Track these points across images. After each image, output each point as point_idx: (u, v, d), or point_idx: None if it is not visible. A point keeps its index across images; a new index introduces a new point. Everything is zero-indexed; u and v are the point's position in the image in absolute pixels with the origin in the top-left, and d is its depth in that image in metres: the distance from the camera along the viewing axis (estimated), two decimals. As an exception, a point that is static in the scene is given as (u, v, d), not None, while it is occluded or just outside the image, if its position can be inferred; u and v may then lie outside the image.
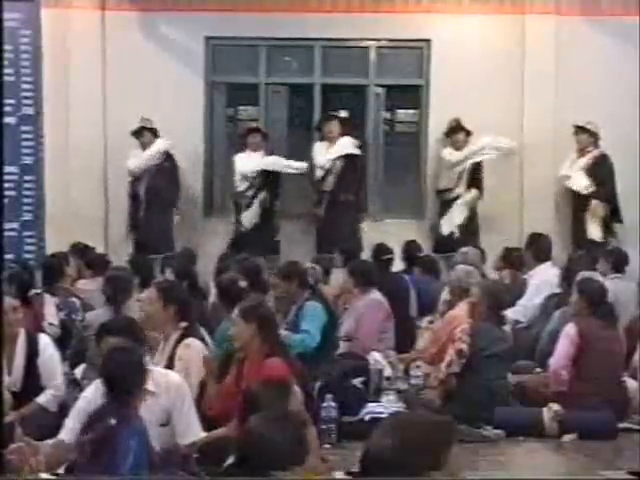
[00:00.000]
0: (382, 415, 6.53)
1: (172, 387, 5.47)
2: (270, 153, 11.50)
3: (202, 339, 6.62)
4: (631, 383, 7.37)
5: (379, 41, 11.94)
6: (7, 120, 10.51)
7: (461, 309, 7.56)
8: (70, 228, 11.37)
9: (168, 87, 11.66)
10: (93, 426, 4.75)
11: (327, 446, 6.37)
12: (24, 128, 11.22)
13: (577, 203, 11.42)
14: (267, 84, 11.99)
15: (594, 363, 7.13)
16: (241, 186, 11.42)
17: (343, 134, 11.44)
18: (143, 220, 11.27)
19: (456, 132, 11.57)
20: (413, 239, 10.54)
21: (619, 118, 11.30)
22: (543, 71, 11.65)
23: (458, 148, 11.58)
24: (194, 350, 6.41)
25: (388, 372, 7.67)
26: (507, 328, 7.81)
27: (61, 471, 5.16)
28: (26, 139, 11.24)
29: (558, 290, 8.70)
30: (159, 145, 11.34)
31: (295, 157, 11.81)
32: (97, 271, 9.20)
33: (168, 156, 11.42)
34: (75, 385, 6.90)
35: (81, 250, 9.96)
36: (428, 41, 11.85)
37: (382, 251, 9.70)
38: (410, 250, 10.23)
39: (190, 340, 6.44)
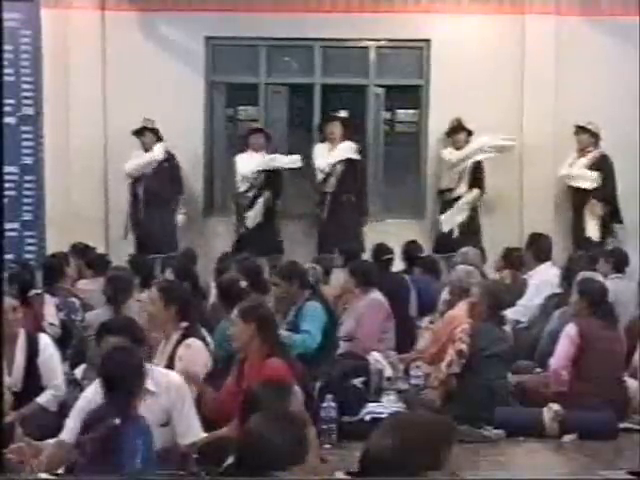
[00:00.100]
0: (382, 415, 6.52)
1: (172, 387, 5.47)
2: (272, 154, 11.49)
3: (203, 339, 6.63)
4: (631, 383, 7.37)
5: (379, 41, 11.94)
6: (7, 120, 10.50)
7: (461, 309, 7.56)
8: (70, 228, 11.37)
9: (168, 87, 11.65)
10: (94, 426, 4.75)
11: (327, 446, 6.37)
12: (24, 128, 11.21)
13: (577, 203, 11.42)
14: (267, 84, 11.99)
15: (594, 363, 7.13)
16: (242, 186, 11.41)
17: (344, 135, 11.43)
18: (144, 220, 11.26)
19: (457, 132, 11.57)
20: (413, 239, 10.52)
21: (619, 118, 11.30)
22: (543, 71, 11.64)
23: (459, 148, 11.58)
24: (195, 350, 6.42)
25: (388, 372, 7.67)
26: (507, 328, 7.81)
27: (61, 471, 5.17)
28: (26, 139, 11.23)
29: (558, 290, 8.70)
30: (156, 153, 11.29)
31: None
32: (97, 271, 9.20)
33: (169, 156, 11.42)
34: (75, 385, 6.90)
35: (81, 250, 9.96)
36: (428, 41, 11.85)
37: (382, 251, 9.70)
38: (410, 250, 10.22)
39: (191, 340, 6.45)
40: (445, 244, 11.27)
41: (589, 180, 11.22)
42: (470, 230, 11.43)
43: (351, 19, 11.71)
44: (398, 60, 12.12)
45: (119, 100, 11.66)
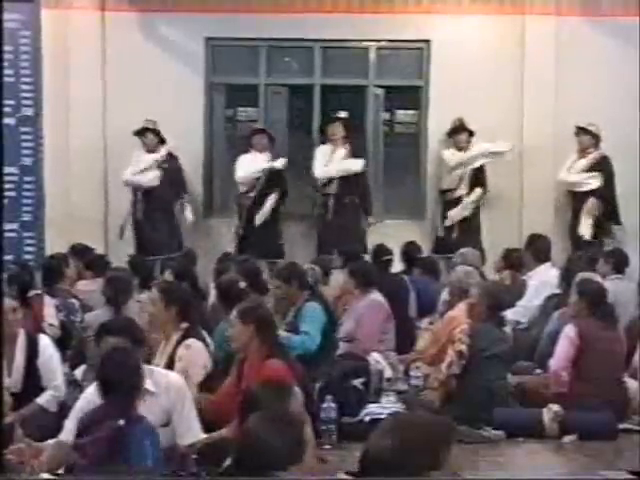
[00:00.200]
0: (382, 416, 6.52)
1: (172, 388, 5.47)
2: (276, 154, 11.48)
3: (203, 340, 6.63)
4: (631, 384, 7.37)
5: (379, 42, 11.94)
6: (7, 121, 10.49)
7: (460, 310, 7.56)
8: (70, 229, 11.37)
9: (168, 88, 11.65)
10: (94, 427, 4.74)
11: (327, 447, 6.37)
12: (24, 129, 11.20)
13: (576, 204, 11.41)
14: (267, 85, 11.99)
15: (594, 364, 7.13)
16: (245, 187, 11.39)
17: (346, 136, 11.42)
18: (144, 221, 11.25)
19: (459, 132, 11.56)
20: (413, 240, 10.53)
21: (619, 119, 11.30)
22: (543, 72, 11.64)
23: (461, 149, 11.57)
24: (194, 351, 6.42)
25: (388, 373, 7.68)
26: (507, 329, 7.81)
27: (61, 471, 5.17)
28: (26, 140, 11.22)
29: (557, 291, 8.69)
30: (151, 175, 11.24)
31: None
32: (97, 272, 9.19)
33: (171, 157, 11.40)
34: (75, 386, 6.89)
35: (81, 251, 9.95)
36: (428, 42, 11.85)
37: (382, 252, 9.71)
38: (410, 251, 10.22)
39: (191, 341, 6.45)
40: (445, 245, 11.27)
41: (587, 185, 11.22)
42: (471, 229, 11.43)
43: (351, 20, 11.71)
44: (398, 61, 12.12)
45: (119, 101, 11.66)
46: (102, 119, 11.75)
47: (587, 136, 11.31)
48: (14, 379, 6.50)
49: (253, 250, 10.48)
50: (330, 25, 11.66)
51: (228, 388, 6.08)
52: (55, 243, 10.91)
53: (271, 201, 11.31)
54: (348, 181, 11.32)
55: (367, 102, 11.96)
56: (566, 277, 8.42)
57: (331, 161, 11.37)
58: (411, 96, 12.19)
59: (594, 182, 11.19)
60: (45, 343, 6.71)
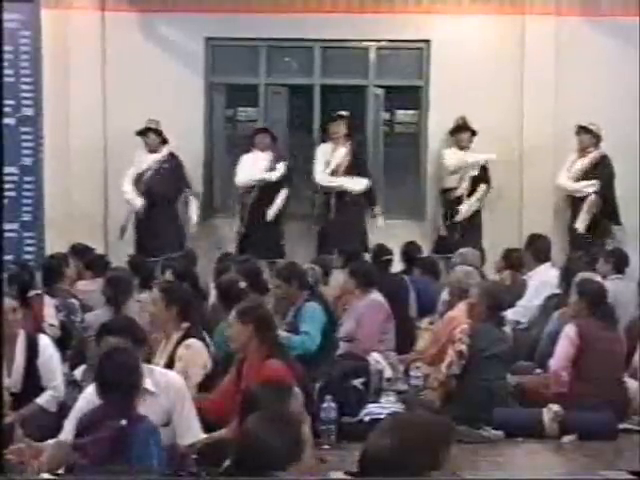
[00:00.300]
0: (382, 416, 6.52)
1: (172, 387, 5.47)
2: (278, 154, 11.48)
3: (203, 340, 6.63)
4: (631, 384, 7.37)
5: (379, 42, 11.94)
6: (7, 121, 10.48)
7: (460, 310, 7.57)
8: (70, 229, 11.37)
9: (168, 88, 11.65)
10: (94, 427, 4.74)
11: (326, 447, 6.37)
12: (24, 129, 11.19)
13: (576, 205, 11.40)
14: (267, 85, 11.99)
15: (594, 364, 7.13)
16: (246, 188, 11.39)
17: (348, 135, 11.42)
18: (145, 221, 11.23)
19: (461, 131, 11.55)
20: (412, 240, 10.53)
21: (619, 119, 11.29)
22: (543, 72, 11.64)
23: (462, 148, 11.57)
24: (194, 351, 6.42)
25: (388, 373, 7.68)
26: (507, 329, 7.81)
27: (61, 471, 5.17)
28: (26, 140, 11.21)
29: (557, 291, 8.69)
30: (138, 202, 11.20)
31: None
32: (97, 272, 9.19)
33: (171, 157, 11.39)
34: (75, 386, 6.89)
35: (81, 251, 9.95)
36: (428, 42, 11.84)
37: (382, 252, 9.71)
38: (410, 251, 10.23)
39: (191, 341, 6.45)
40: (447, 244, 11.26)
41: (585, 191, 11.21)
42: (473, 228, 11.42)
43: (351, 19, 11.71)
44: (398, 61, 12.12)
45: (119, 101, 11.66)
46: (102, 119, 11.75)
47: (588, 135, 11.29)
48: (14, 379, 6.50)
49: (254, 250, 10.48)
50: (330, 25, 11.66)
51: (227, 388, 6.07)
52: (55, 243, 10.90)
53: (282, 196, 11.31)
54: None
55: (367, 102, 11.96)
56: (566, 277, 8.41)
57: (333, 158, 11.37)
58: (411, 96, 12.19)
59: (592, 189, 11.17)
60: (45, 343, 6.71)
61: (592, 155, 11.35)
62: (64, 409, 6.08)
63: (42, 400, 6.54)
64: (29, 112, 11.23)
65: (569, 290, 7.73)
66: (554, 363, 7.26)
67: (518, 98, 11.72)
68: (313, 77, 12.02)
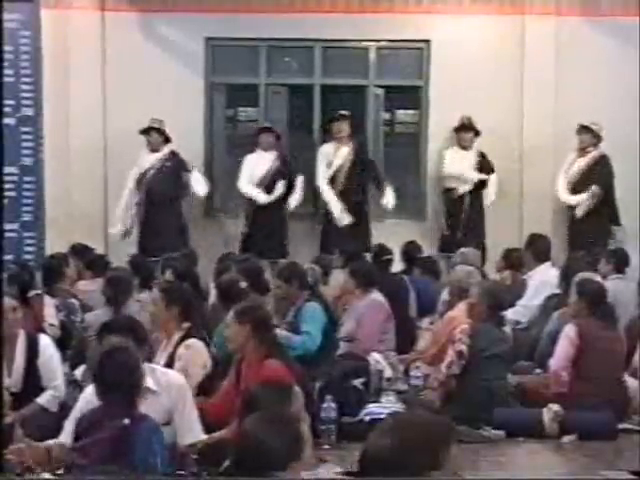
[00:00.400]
0: (382, 416, 6.52)
1: (173, 386, 5.47)
2: (282, 153, 11.48)
3: (204, 340, 6.63)
4: (631, 383, 7.37)
5: (379, 42, 11.94)
6: (7, 121, 10.48)
7: (460, 310, 7.57)
8: (70, 229, 11.37)
9: (168, 88, 11.65)
10: (95, 427, 4.74)
11: (326, 447, 6.37)
12: (24, 129, 11.19)
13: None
14: (267, 85, 11.99)
15: (594, 363, 7.13)
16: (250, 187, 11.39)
17: (350, 134, 11.42)
18: (146, 221, 11.23)
19: (465, 130, 11.56)
20: (413, 240, 10.53)
21: (619, 119, 11.30)
22: (543, 72, 11.65)
23: (464, 147, 11.58)
24: (194, 351, 6.42)
25: (388, 373, 7.67)
26: (507, 329, 7.81)
27: (61, 471, 5.17)
28: (26, 140, 11.21)
29: (557, 291, 8.69)
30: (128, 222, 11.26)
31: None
32: (97, 272, 9.19)
33: (172, 156, 11.37)
34: (75, 386, 6.89)
35: (81, 251, 9.95)
36: (428, 42, 11.85)
37: (382, 252, 9.71)
38: (410, 251, 10.23)
39: (191, 341, 6.45)
40: (450, 243, 11.23)
41: (585, 205, 11.21)
42: (476, 227, 11.42)
43: (351, 19, 11.72)
44: (398, 61, 12.13)
45: (119, 100, 11.66)
46: (102, 119, 11.76)
47: (588, 135, 11.30)
48: (14, 379, 6.49)
49: (257, 249, 10.48)
50: (330, 25, 11.66)
51: (227, 389, 6.07)
52: (55, 243, 10.90)
53: (300, 184, 11.32)
54: (352, 179, 11.33)
55: (367, 102, 11.97)
56: (566, 277, 8.41)
57: (336, 158, 11.38)
58: (411, 96, 12.19)
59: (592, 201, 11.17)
60: (45, 343, 6.70)
61: (591, 155, 11.36)
62: (64, 409, 6.08)
63: (42, 400, 6.54)
64: (29, 112, 11.22)
65: (569, 290, 7.73)
66: (554, 363, 7.26)
67: (518, 98, 11.72)
68: (313, 77, 12.03)
